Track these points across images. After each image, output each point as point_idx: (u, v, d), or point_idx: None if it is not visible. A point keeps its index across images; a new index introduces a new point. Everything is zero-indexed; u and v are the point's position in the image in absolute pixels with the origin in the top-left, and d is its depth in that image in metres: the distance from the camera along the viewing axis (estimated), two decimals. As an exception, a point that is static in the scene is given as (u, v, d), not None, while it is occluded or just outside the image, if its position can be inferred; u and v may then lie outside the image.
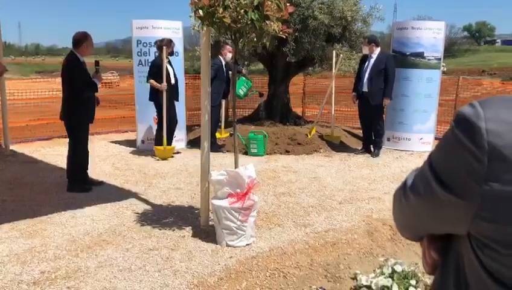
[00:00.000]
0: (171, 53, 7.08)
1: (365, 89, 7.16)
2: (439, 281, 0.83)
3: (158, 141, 7.06)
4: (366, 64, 7.20)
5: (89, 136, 5.50)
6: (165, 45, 6.77)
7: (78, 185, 5.26)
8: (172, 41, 7.03)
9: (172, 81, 7.00)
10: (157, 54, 7.10)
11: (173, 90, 7.03)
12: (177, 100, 7.22)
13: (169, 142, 7.09)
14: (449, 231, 0.78)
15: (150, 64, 7.14)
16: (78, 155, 5.26)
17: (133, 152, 7.57)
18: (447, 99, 9.66)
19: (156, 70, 6.82)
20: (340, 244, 3.82)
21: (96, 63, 5.45)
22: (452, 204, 0.71)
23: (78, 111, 5.08)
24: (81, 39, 5.09)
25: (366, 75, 7.15)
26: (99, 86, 5.30)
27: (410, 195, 0.80)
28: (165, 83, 6.75)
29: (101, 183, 5.56)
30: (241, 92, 7.79)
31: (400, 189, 0.85)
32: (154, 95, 6.93)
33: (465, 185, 0.68)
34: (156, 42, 7.01)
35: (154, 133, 7.33)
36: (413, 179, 0.80)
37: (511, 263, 0.67)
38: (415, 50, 7.77)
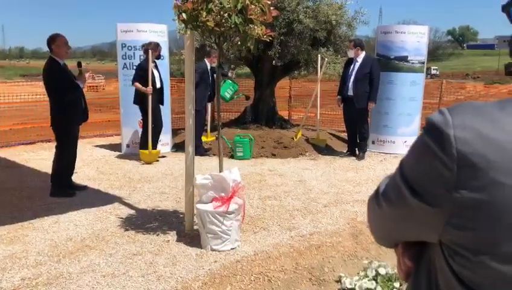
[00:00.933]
0: (158, 56, 7.05)
1: (350, 92, 7.18)
2: (412, 287, 0.83)
3: (143, 144, 7.01)
4: (351, 67, 7.22)
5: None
6: (151, 48, 6.74)
7: (61, 189, 5.19)
8: (159, 44, 7.00)
9: (158, 85, 6.97)
10: (143, 57, 7.06)
11: (159, 94, 7.00)
12: (163, 104, 7.18)
13: (154, 146, 7.05)
14: (421, 238, 0.78)
15: (136, 67, 7.10)
16: (65, 158, 5.19)
17: (117, 156, 7.51)
18: (431, 103, 9.77)
19: (141, 74, 6.78)
20: (325, 247, 3.83)
21: (79, 64, 5.39)
22: (423, 211, 0.71)
23: (63, 113, 5.01)
24: (50, 41, 5.00)
25: (351, 79, 7.18)
26: (83, 87, 5.23)
27: (382, 202, 0.80)
28: (150, 87, 6.71)
29: (84, 187, 5.50)
30: (227, 94, 7.78)
31: (373, 196, 0.86)
32: (140, 99, 6.88)
33: (436, 192, 0.68)
34: (143, 46, 6.97)
35: (140, 136, 7.28)
36: (385, 186, 0.81)
37: (481, 270, 0.67)
38: (399, 54, 7.84)
